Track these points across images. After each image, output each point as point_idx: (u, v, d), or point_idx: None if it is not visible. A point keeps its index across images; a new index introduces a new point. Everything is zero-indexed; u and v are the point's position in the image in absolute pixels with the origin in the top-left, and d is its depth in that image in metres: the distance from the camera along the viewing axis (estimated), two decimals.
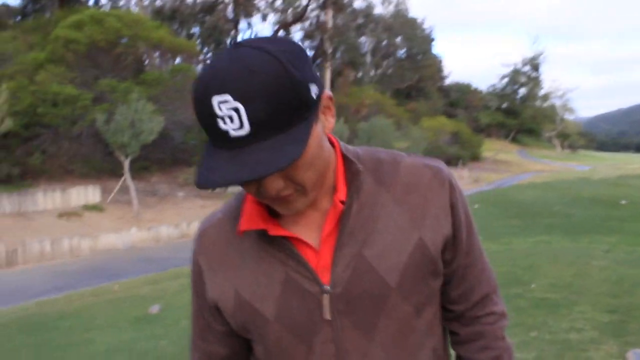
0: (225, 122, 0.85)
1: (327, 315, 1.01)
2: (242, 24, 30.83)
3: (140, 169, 19.16)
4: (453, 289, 1.11)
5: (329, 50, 33.82)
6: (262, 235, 1.03)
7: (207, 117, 0.87)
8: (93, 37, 16.64)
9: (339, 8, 32.06)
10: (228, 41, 27.83)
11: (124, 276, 10.34)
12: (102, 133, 15.62)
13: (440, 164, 1.10)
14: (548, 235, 9.32)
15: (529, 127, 72.43)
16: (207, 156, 0.91)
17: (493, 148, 54.06)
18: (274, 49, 0.89)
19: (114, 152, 16.11)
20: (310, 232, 1.03)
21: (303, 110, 0.90)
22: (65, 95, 15.97)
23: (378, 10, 62.02)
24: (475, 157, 46.09)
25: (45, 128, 16.93)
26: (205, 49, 29.20)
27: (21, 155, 16.70)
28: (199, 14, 27.68)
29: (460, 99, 62.48)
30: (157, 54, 18.90)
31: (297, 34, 34.76)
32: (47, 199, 15.68)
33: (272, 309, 1.03)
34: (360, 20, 42.82)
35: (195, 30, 27.79)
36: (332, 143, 1.04)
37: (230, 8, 27.88)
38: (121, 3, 27.41)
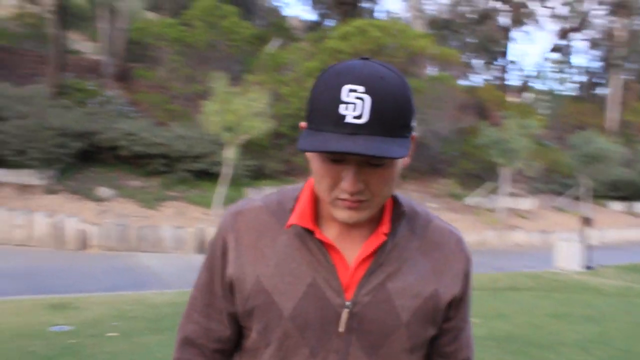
0: (346, 108, 0.97)
1: (342, 328, 1.10)
2: (515, 33, 29.53)
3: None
4: (446, 345, 1.25)
5: (618, 61, 30.36)
6: (300, 236, 1.13)
7: (331, 100, 0.98)
8: (356, 47, 17.46)
9: (629, 13, 28.54)
10: (498, 50, 26.82)
11: None
12: None
13: (460, 233, 1.25)
14: None
15: None
16: (308, 135, 1.00)
17: None
18: (399, 73, 1.04)
19: None
20: (346, 247, 1.13)
21: (406, 129, 1.02)
22: None
23: None
24: None
25: None
26: (474, 60, 28.57)
27: (288, 154, 18.32)
28: (471, 23, 27.23)
29: None
30: (419, 62, 19.06)
31: (577, 42, 31.97)
32: None
33: (289, 307, 1.10)
34: None
35: (468, 39, 27.41)
36: None
37: (503, 16, 26.84)
38: (396, 15, 28.38)
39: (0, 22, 28.73)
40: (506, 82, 28.09)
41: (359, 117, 0.96)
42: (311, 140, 0.99)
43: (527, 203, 20.92)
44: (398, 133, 1.00)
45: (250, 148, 17.01)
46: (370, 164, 1.03)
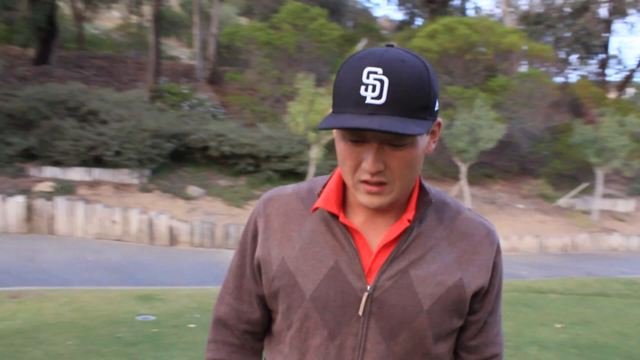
0: (366, 90, 1.01)
1: (361, 312, 1.12)
2: (617, 25, 27.82)
3: (483, 175, 19.06)
4: (471, 339, 1.24)
5: None
6: (326, 220, 1.17)
7: (353, 82, 1.02)
8: (444, 45, 17.18)
9: None
10: (596, 44, 25.47)
11: None
12: (443, 138, 16.03)
13: (493, 227, 1.24)
14: None
15: None
16: (331, 116, 1.05)
17: None
18: (421, 57, 1.07)
19: (453, 157, 16.37)
20: (371, 234, 1.16)
21: (427, 112, 1.05)
22: None
23: None
24: None
25: None
26: (570, 56, 27.29)
27: None
28: (567, 16, 26.03)
29: None
30: (507, 59, 18.47)
31: None
32: None
33: (311, 288, 1.14)
34: None
35: (564, 34, 26.23)
36: None
37: (602, 8, 25.48)
38: (486, 11, 27.64)
39: (107, 33, 30.60)
40: (605, 78, 26.65)
41: (378, 97, 1.00)
42: (331, 120, 1.03)
43: (624, 205, 19.75)
44: (417, 114, 1.03)
45: (332, 148, 17.20)
46: (390, 145, 1.06)
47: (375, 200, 1.10)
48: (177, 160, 15.67)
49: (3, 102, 14.59)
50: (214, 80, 21.57)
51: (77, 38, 25.43)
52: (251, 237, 1.25)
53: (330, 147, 15.47)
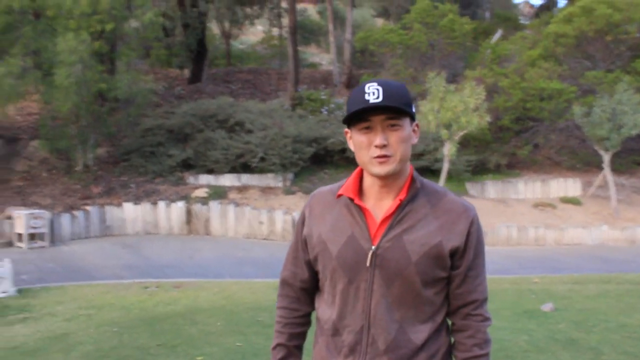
0: (369, 95, 1.58)
1: (368, 264, 1.64)
2: None
3: (632, 163, 17.96)
4: (456, 289, 1.70)
5: None
6: (348, 204, 1.70)
7: (359, 93, 1.61)
8: (581, 29, 16.49)
9: None
10: None
11: (563, 271, 10.32)
12: (582, 126, 15.45)
13: (472, 206, 1.72)
14: None
15: None
16: (347, 118, 1.64)
17: None
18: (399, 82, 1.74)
19: (594, 145, 15.69)
20: (377, 212, 1.68)
21: (409, 107, 1.63)
22: (550, 89, 16.42)
23: None
24: None
25: (534, 122, 17.78)
26: None
27: (512, 147, 18.02)
28: None
29: None
30: None
31: None
32: (527, 188, 16.59)
33: (335, 250, 1.68)
34: None
35: None
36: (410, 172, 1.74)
37: None
38: None
39: (252, 47, 32.76)
40: None
41: (377, 98, 1.57)
42: (349, 113, 1.63)
43: None
44: (403, 105, 1.60)
45: (471, 143, 17.18)
46: (390, 127, 1.62)
47: (384, 167, 1.61)
48: (317, 163, 16.62)
49: (164, 120, 16.50)
50: (351, 84, 22.38)
51: (226, 55, 27.60)
52: (301, 222, 1.82)
53: (462, 143, 15.56)
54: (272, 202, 14.58)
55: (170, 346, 5.34)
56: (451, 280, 1.70)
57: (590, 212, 15.31)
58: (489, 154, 17.47)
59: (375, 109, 1.59)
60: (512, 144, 18.13)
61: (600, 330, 5.90)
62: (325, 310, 1.77)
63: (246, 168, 15.52)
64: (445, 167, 14.83)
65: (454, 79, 18.47)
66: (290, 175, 15.74)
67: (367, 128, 1.62)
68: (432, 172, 16.18)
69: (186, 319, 6.42)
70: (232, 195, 14.78)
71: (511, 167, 17.91)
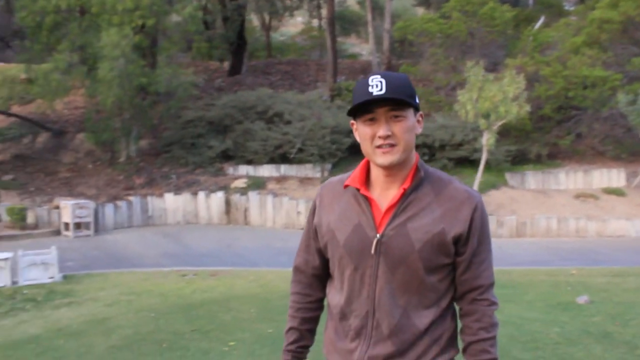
0: (372, 88, 1.62)
1: (373, 252, 1.70)
2: None
3: None
4: (461, 275, 1.74)
5: None
6: (355, 194, 1.76)
7: (363, 86, 1.65)
8: (627, 14, 16.01)
9: None
10: None
11: (603, 263, 10.12)
12: (627, 114, 15.05)
13: (477, 193, 1.75)
14: None
15: None
16: (351, 110, 1.68)
17: None
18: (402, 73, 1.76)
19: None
20: (383, 201, 1.74)
21: (413, 99, 1.68)
22: (594, 77, 16.02)
23: None
24: None
25: (577, 110, 17.39)
26: None
27: (553, 137, 17.68)
28: None
29: None
30: None
31: None
32: (569, 179, 16.25)
33: (343, 238, 1.75)
34: None
35: None
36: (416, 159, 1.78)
37: None
38: None
39: (292, 38, 32.93)
40: None
41: (380, 90, 1.61)
42: (354, 105, 1.66)
43: None
44: (406, 97, 1.65)
45: (511, 133, 16.93)
46: (394, 118, 1.65)
47: (388, 157, 1.66)
48: (355, 154, 16.63)
49: (204, 112, 16.81)
50: None
51: (266, 46, 27.82)
52: (312, 211, 1.89)
53: (502, 133, 15.36)
54: (310, 192, 14.70)
55: (204, 331, 5.52)
56: (456, 266, 1.73)
57: (635, 204, 14.91)
58: (529, 143, 17.18)
59: (378, 101, 1.63)
60: (554, 133, 17.76)
61: (637, 324, 5.81)
62: (334, 295, 1.85)
63: (284, 159, 15.69)
64: (484, 157, 14.68)
65: (494, 67, 18.19)
66: (328, 166, 15.84)
67: (372, 119, 1.67)
68: (470, 162, 16.05)
69: (221, 305, 6.61)
70: (271, 185, 14.97)
71: (552, 157, 17.56)
